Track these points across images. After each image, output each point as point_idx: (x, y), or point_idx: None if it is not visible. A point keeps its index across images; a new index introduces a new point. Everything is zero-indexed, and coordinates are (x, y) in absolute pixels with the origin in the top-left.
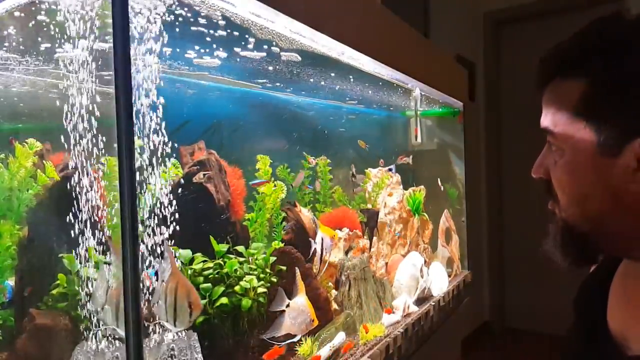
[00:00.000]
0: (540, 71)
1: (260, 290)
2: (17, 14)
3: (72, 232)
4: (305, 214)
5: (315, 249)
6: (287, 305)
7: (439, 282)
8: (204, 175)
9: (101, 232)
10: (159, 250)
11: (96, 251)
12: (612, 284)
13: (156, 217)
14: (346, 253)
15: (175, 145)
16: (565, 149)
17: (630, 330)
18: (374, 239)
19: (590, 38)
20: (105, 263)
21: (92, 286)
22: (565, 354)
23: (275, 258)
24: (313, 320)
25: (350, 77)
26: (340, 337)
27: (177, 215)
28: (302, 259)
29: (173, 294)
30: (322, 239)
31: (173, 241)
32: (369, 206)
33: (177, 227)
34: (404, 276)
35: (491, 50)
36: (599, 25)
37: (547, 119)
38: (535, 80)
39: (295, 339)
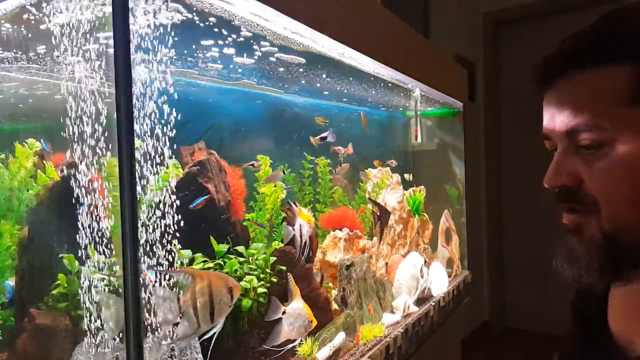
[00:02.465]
0: (545, 68)
1: (260, 290)
2: (18, 15)
3: (71, 232)
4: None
5: (294, 235)
6: (283, 312)
7: (439, 282)
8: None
9: (101, 234)
10: (159, 249)
11: (100, 252)
12: (613, 286)
13: (154, 217)
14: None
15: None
16: (617, 142)
17: (636, 334)
18: (374, 239)
19: (625, 24)
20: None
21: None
22: (564, 356)
23: (275, 258)
24: (311, 322)
25: (350, 77)
26: (340, 337)
27: (176, 216)
28: (302, 260)
29: (206, 294)
30: (301, 226)
31: (178, 242)
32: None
33: (177, 228)
34: (404, 276)
35: (491, 51)
36: (630, 11)
37: (582, 116)
38: (539, 79)
39: (295, 343)
